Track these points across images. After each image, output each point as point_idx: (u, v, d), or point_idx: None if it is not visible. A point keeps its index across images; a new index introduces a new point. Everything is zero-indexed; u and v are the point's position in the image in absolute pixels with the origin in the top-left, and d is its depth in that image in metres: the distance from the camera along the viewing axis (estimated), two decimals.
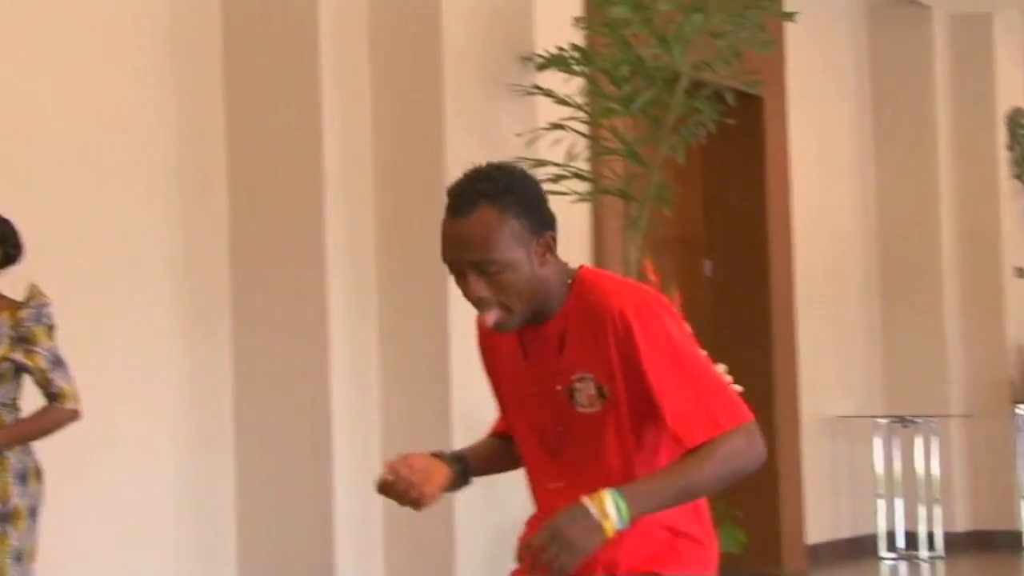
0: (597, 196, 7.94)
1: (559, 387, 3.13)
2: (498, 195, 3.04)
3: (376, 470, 7.22)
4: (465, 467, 3.34)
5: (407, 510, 3.60)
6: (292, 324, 7.22)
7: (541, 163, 7.32)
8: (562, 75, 7.60)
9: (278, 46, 7.29)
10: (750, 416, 3.09)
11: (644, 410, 3.09)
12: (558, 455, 3.20)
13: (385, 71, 7.39)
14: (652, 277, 8.33)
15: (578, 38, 7.78)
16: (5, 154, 6.23)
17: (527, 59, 7.57)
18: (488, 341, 3.29)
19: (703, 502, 3.19)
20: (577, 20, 7.86)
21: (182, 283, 7.17)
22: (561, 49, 7.55)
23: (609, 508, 2.93)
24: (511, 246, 3.03)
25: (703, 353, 3.19)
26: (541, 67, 7.54)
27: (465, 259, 3.05)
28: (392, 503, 3.49)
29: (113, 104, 6.81)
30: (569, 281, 3.13)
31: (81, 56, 6.74)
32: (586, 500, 2.93)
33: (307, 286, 7.19)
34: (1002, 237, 11.72)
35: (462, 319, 7.11)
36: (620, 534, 2.99)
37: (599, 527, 2.92)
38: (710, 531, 3.24)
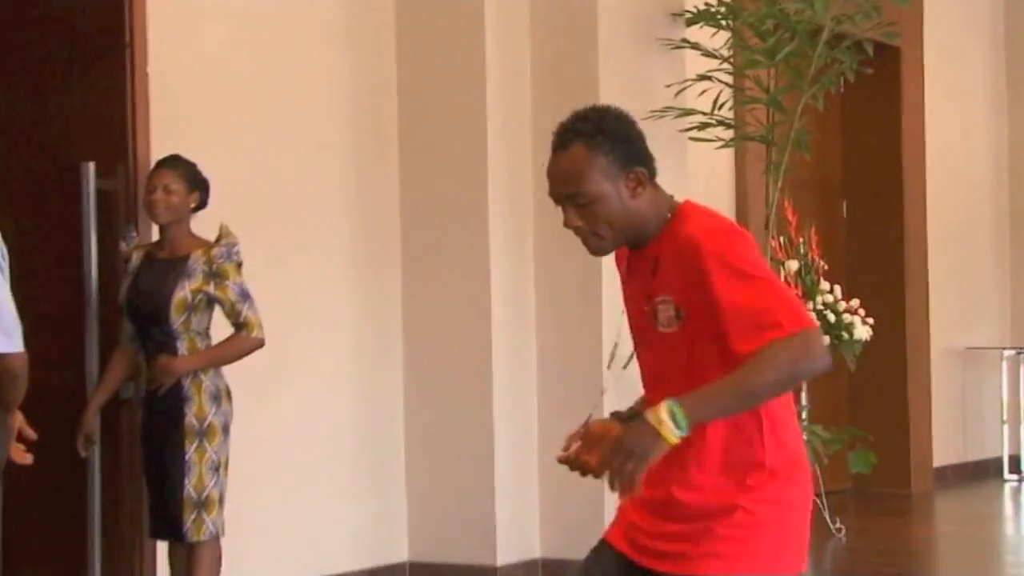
0: (740, 142, 7.93)
1: (646, 308, 3.20)
2: (590, 134, 3.14)
3: (531, 390, 7.37)
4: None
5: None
6: (457, 261, 7.26)
7: (688, 112, 7.34)
8: (709, 30, 7.54)
9: (446, 9, 7.28)
10: (813, 323, 3.04)
11: (719, 330, 3.07)
12: (649, 370, 3.28)
13: (544, 30, 7.33)
14: (791, 217, 8.32)
15: None
16: (200, 110, 6.32)
17: (677, 15, 7.52)
18: (618, 264, 3.38)
19: (787, 434, 3.15)
20: None
21: (356, 223, 7.22)
22: (709, 5, 7.48)
23: (664, 415, 2.92)
24: (599, 180, 3.12)
25: (772, 272, 3.20)
26: (690, 22, 7.48)
27: (560, 192, 3.17)
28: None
29: (296, 65, 6.88)
30: (669, 214, 3.18)
31: (267, 23, 6.80)
32: (646, 412, 2.97)
33: (470, 227, 7.20)
34: None
35: (610, 257, 7.21)
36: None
37: (656, 433, 2.92)
38: (793, 461, 3.18)
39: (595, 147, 3.13)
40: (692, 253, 3.07)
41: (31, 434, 4.42)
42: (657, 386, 3.20)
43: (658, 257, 3.17)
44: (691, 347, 3.12)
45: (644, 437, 2.94)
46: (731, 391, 3.00)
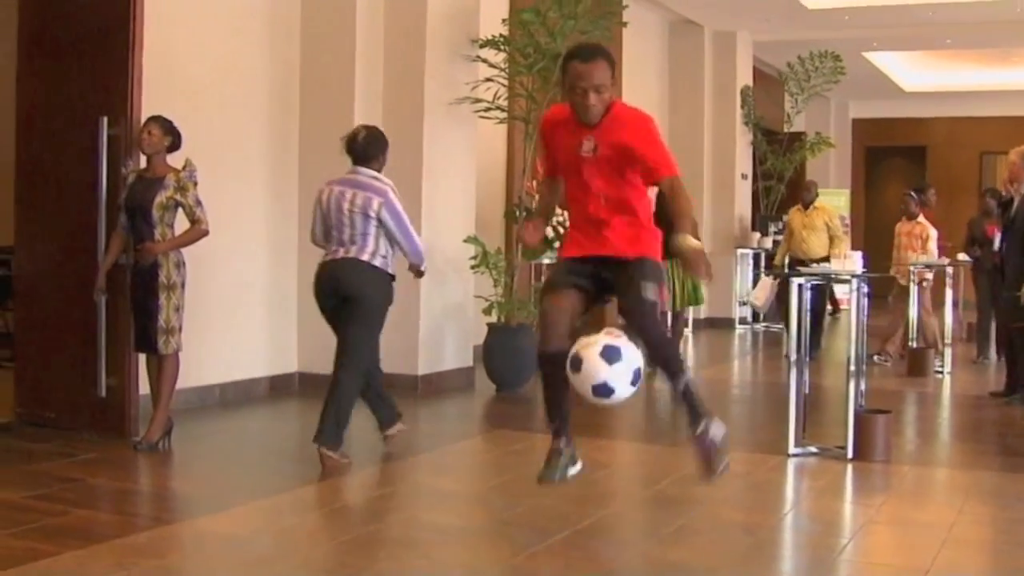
0: (510, 120, 7.98)
1: (601, 148, 3.51)
2: (607, 57, 3.48)
3: None
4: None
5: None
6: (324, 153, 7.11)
7: (478, 100, 7.32)
8: (493, 50, 7.57)
9: (331, 30, 7.03)
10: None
11: (632, 162, 3.50)
12: (593, 181, 3.55)
13: (393, 47, 7.20)
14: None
15: (504, 30, 7.79)
16: (173, 86, 6.07)
17: (474, 41, 7.53)
18: (554, 125, 3.63)
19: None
20: (504, 20, 7.91)
21: (269, 159, 6.95)
22: (494, 36, 7.54)
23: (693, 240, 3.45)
24: (608, 80, 3.45)
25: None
26: (482, 46, 7.51)
27: (589, 84, 3.43)
28: None
29: (233, 56, 6.69)
30: (610, 103, 3.52)
31: (215, 28, 6.52)
32: (687, 243, 3.41)
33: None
34: None
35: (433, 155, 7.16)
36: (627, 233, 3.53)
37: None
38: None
39: (610, 64, 3.46)
40: (640, 126, 3.49)
41: None
42: (597, 190, 3.54)
43: (608, 123, 3.48)
44: (623, 168, 3.50)
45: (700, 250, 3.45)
46: (688, 213, 3.49)
